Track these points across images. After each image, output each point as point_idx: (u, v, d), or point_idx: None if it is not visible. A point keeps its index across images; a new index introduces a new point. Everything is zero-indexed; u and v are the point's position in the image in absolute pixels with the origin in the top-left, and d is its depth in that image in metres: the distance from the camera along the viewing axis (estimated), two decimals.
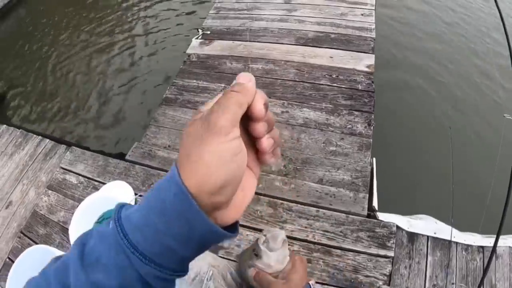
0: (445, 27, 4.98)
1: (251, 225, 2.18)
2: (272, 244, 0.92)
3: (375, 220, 2.19)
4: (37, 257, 2.07)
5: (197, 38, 3.56)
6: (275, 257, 0.91)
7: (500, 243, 2.15)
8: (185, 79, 3.13)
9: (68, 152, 2.81)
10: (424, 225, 2.26)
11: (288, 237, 2.10)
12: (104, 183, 2.54)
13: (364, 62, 3.18)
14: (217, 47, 3.41)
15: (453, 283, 2.08)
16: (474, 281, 2.06)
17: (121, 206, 0.44)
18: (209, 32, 3.61)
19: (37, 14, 5.63)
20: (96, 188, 2.54)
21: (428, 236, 2.21)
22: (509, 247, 2.20)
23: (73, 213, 2.28)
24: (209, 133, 0.39)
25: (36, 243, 2.39)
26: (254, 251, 0.93)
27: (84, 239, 0.44)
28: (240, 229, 2.12)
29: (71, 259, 0.42)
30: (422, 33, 4.86)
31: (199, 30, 3.66)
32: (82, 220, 2.18)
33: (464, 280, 2.08)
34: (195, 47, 3.46)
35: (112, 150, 3.06)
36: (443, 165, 2.71)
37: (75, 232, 2.13)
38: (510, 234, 2.28)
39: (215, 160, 0.38)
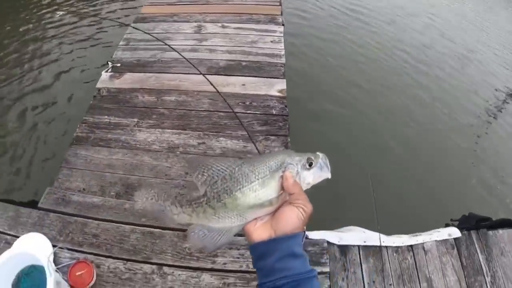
0: None
1: (181, 264, 2.12)
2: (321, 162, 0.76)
3: (306, 239, 2.26)
4: None
5: (107, 71, 3.46)
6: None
7: (426, 238, 2.39)
8: (96, 115, 3.00)
9: None
10: (353, 236, 2.38)
11: (222, 270, 2.13)
12: (17, 237, 2.29)
13: (276, 87, 3.34)
14: (128, 80, 3.34)
15: (390, 284, 2.18)
16: (410, 278, 2.20)
17: None
18: (119, 65, 3.52)
19: None
20: (9, 243, 2.26)
21: (358, 246, 2.33)
22: (435, 241, 2.38)
23: None
24: None
25: None
26: (308, 160, 0.75)
27: None
28: (171, 270, 2.10)
29: None
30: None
31: (109, 62, 3.56)
32: None
33: (400, 279, 2.20)
34: (105, 80, 3.35)
35: (21, 198, 2.77)
36: (361, 177, 2.91)
37: None
38: (432, 229, 2.51)
39: None
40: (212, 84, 3.00)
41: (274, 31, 4.20)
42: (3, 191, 3.12)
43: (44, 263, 1.83)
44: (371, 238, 2.34)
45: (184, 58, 3.30)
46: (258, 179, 0.71)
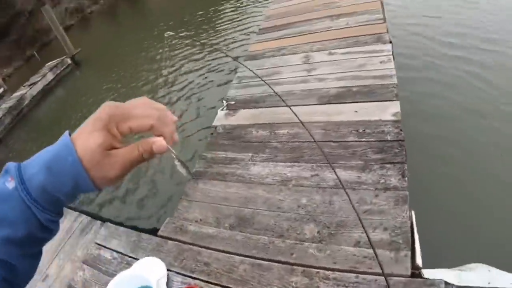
0: None
1: None
2: None
3: (421, 279, 1.95)
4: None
5: (222, 110, 3.67)
6: None
7: None
8: (213, 151, 3.19)
9: (103, 227, 2.95)
10: (476, 276, 2.02)
11: None
12: (136, 259, 2.58)
13: (389, 110, 3.11)
14: (242, 117, 3.49)
15: None
16: None
17: (18, 167, 0.51)
18: (233, 102, 3.72)
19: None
20: (129, 264, 2.56)
21: None
22: None
23: None
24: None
25: None
26: None
27: None
28: None
29: None
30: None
31: (224, 101, 3.78)
32: None
33: None
34: (221, 118, 3.56)
35: (145, 225, 3.08)
36: (492, 203, 2.45)
37: None
38: None
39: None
40: (295, 115, 2.70)
41: (382, 51, 3.98)
42: (128, 218, 3.58)
43: (154, 284, 2.11)
44: (498, 278, 1.96)
45: (274, 91, 3.23)
46: None
